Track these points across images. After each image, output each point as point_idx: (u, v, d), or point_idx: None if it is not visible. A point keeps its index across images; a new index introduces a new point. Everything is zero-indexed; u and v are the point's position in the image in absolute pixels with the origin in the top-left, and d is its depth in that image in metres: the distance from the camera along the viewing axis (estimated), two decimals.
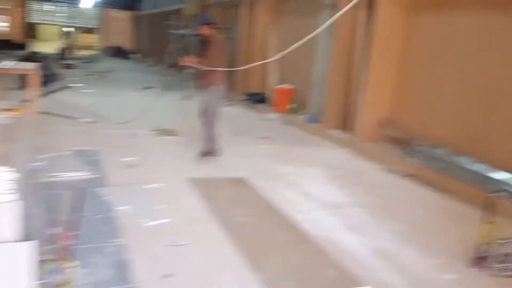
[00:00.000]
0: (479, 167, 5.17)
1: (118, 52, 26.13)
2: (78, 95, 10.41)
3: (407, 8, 6.84)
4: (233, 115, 9.73)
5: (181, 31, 12.53)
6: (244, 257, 3.28)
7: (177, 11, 16.86)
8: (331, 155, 6.93)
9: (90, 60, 21.02)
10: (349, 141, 7.30)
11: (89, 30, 31.04)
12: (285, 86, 9.97)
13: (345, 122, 8.11)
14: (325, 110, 8.11)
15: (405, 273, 3.33)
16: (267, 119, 9.52)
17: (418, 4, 6.68)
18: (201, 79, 5.87)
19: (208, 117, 5.80)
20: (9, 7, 24.59)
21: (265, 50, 11.23)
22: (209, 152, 5.88)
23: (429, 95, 6.46)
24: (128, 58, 25.37)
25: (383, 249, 3.67)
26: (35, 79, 7.04)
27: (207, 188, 4.73)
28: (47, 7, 30.11)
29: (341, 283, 3.11)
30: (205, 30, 5.68)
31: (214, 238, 3.60)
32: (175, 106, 9.70)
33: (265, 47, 11.23)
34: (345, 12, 7.64)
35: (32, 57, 10.58)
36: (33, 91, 7.09)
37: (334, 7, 8.64)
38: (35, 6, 29.11)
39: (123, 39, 28.30)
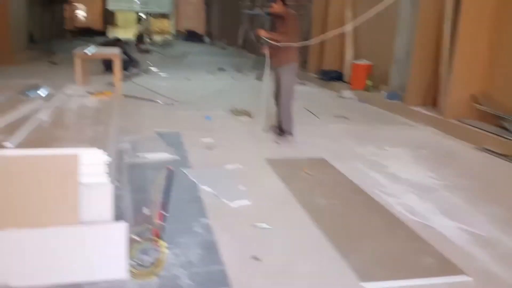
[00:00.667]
0: None
1: (191, 36, 26.66)
2: (156, 79, 10.71)
3: None
4: (308, 93, 9.52)
5: (254, 11, 12.37)
6: (332, 242, 3.13)
7: None
8: (416, 134, 6.52)
9: (165, 44, 21.65)
10: (436, 118, 6.81)
11: (163, 15, 31.92)
12: (362, 61, 9.53)
13: (431, 98, 7.60)
14: (408, 85, 7.62)
15: (507, 262, 3.00)
16: (344, 97, 9.19)
17: None
18: (273, 57, 5.72)
19: (283, 96, 5.65)
20: None
21: (341, 26, 10.79)
22: (285, 132, 5.75)
23: None
24: (202, 41, 25.81)
25: (482, 236, 3.35)
26: (117, 63, 7.29)
27: (287, 169, 4.61)
28: None
29: (438, 271, 2.86)
30: (277, 8, 5.51)
31: (300, 221, 3.47)
32: (249, 87, 9.65)
33: (341, 23, 10.78)
34: None
35: (113, 43, 10.99)
36: (116, 76, 7.37)
37: None
38: None
39: (196, 23, 28.81)
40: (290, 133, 5.74)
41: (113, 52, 7.86)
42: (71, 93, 4.04)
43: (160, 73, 11.87)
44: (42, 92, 3.86)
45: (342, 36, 10.65)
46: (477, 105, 6.47)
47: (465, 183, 4.46)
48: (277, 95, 5.87)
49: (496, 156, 5.41)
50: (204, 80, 11.23)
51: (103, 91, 4.40)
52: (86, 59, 7.57)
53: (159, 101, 7.83)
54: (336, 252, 3.00)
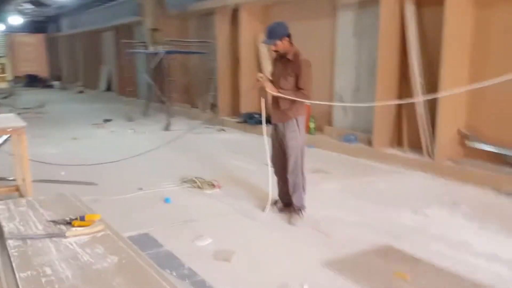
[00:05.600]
0: None
1: (33, 81, 22.77)
2: (35, 145, 8.01)
3: (474, 1, 5.72)
4: (238, 142, 8.07)
5: (150, 50, 10.46)
6: None
7: (128, 26, 14.65)
8: (418, 182, 5.59)
9: (8, 94, 17.79)
10: (426, 162, 6.00)
11: None
12: None
13: (397, 139, 6.85)
14: (376, 126, 6.73)
15: None
16: None
17: None
18: (275, 109, 4.22)
19: (291, 161, 4.15)
20: None
21: (255, 62, 9.66)
22: (295, 208, 4.23)
23: None
24: (49, 86, 22.19)
25: None
26: None
27: (363, 273, 3.11)
28: None
29: None
30: (282, 46, 4.05)
31: None
32: (164, 140, 7.69)
33: (255, 59, 9.66)
34: (387, 8, 6.50)
35: None
36: None
37: (352, 6, 7.43)
38: None
39: (37, 66, 24.85)
40: (303, 207, 4.24)
41: None
42: None
43: (29, 135, 9.07)
44: None
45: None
46: (468, 142, 5.85)
47: None
48: (278, 160, 4.34)
49: None
50: (99, 138, 8.86)
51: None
52: None
53: (76, 182, 5.50)
54: None
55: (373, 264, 3.33)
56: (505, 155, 5.51)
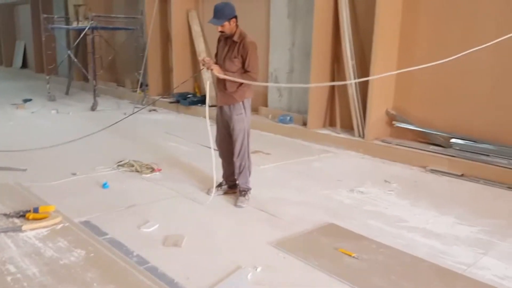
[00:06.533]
0: None
1: None
2: None
3: None
4: (176, 122, 7.92)
5: (73, 25, 9.77)
6: None
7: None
8: (350, 161, 5.87)
9: None
10: (357, 141, 6.30)
11: None
12: None
13: (329, 120, 7.11)
14: (310, 108, 6.91)
15: None
16: None
17: None
18: (221, 91, 4.17)
19: (237, 144, 4.15)
20: None
21: (188, 40, 9.44)
22: (242, 190, 4.27)
23: (440, 79, 5.80)
24: None
25: None
26: None
27: (318, 254, 3.23)
28: None
29: None
30: (229, 28, 3.98)
31: None
32: (97, 123, 7.33)
33: (188, 37, 9.43)
34: None
35: None
36: None
37: None
38: None
39: None
40: (249, 189, 4.29)
41: None
42: None
43: None
44: None
45: (194, 54, 9.35)
46: (395, 122, 6.22)
47: (490, 222, 3.94)
48: (223, 142, 4.32)
49: (452, 177, 5.19)
50: (20, 119, 8.20)
51: None
52: None
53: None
54: None
55: (319, 242, 3.46)
56: (429, 134, 5.95)
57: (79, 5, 9.69)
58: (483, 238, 3.62)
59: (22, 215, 1.84)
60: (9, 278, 1.41)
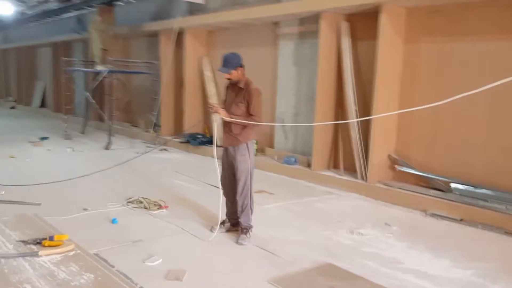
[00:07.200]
0: None
1: None
2: None
3: (404, 37, 6.35)
4: (176, 161, 8.19)
5: (96, 68, 10.28)
6: None
7: (67, 43, 14.33)
8: (352, 204, 6.01)
9: None
10: (359, 184, 6.46)
11: None
12: None
13: (333, 162, 7.32)
14: (314, 150, 7.14)
15: None
16: None
17: (415, 32, 6.23)
18: (226, 133, 4.44)
19: (240, 183, 4.37)
20: None
21: (199, 85, 9.87)
22: (244, 228, 4.44)
23: (440, 125, 6.02)
24: None
25: None
26: None
27: None
28: None
29: None
30: (236, 76, 4.32)
31: None
32: (108, 162, 7.62)
33: (199, 82, 9.86)
34: (325, 40, 7.01)
35: None
36: None
37: (292, 37, 7.91)
38: None
39: None
40: (250, 227, 4.46)
41: None
42: None
43: None
44: None
45: (205, 97, 9.74)
46: (397, 166, 6.40)
47: (483, 265, 4.04)
48: (228, 182, 4.54)
49: (451, 221, 5.30)
50: (37, 156, 8.54)
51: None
52: None
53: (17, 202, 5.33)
54: None
55: (316, 282, 3.59)
56: (430, 178, 6.10)
57: (105, 50, 10.24)
58: (476, 281, 3.73)
59: (39, 242, 2.05)
60: None
